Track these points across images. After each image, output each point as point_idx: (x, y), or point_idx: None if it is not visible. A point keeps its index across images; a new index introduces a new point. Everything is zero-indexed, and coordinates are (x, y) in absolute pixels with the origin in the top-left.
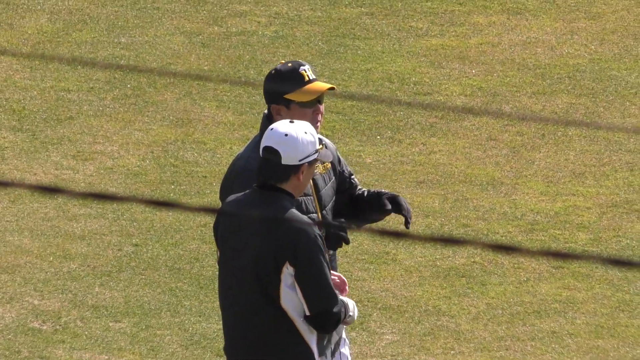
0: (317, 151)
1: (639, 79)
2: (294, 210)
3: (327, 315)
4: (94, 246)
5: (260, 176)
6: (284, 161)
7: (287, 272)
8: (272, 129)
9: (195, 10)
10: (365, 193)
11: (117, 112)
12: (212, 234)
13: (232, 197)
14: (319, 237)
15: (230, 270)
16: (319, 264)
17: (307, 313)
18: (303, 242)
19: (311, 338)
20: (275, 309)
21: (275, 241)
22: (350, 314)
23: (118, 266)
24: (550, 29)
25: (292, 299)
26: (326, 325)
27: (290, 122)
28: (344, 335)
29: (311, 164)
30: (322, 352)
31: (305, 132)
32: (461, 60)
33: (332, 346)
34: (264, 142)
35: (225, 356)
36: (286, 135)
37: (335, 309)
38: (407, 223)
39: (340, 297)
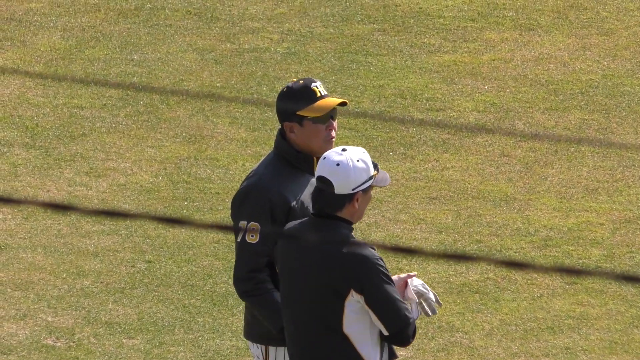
0: (371, 177)
1: None
2: (352, 237)
3: (405, 332)
4: (107, 263)
5: (316, 205)
6: (337, 191)
7: (354, 299)
8: (324, 157)
9: (208, 27)
10: None
11: (130, 129)
12: (226, 250)
13: (288, 226)
14: (379, 260)
15: (292, 299)
16: (386, 286)
17: (386, 333)
18: (366, 269)
19: None
20: (339, 336)
21: (338, 270)
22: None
23: (131, 283)
24: (562, 45)
25: (356, 325)
26: (405, 341)
27: (343, 149)
28: None
29: (366, 191)
30: None
31: (358, 160)
32: (474, 77)
33: None
34: (318, 172)
35: None
36: (338, 164)
37: (410, 321)
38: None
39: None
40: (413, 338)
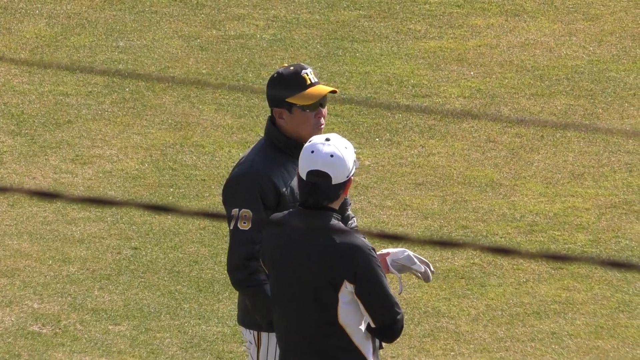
0: (355, 160)
1: (637, 80)
2: (344, 227)
3: (393, 326)
4: (93, 250)
5: (310, 199)
6: (334, 181)
7: (346, 290)
8: (312, 151)
9: (194, 14)
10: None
11: (116, 116)
12: (212, 237)
13: (274, 217)
14: (372, 250)
15: (284, 291)
16: (378, 277)
17: (373, 325)
18: (360, 258)
19: (368, 351)
20: (334, 327)
21: (332, 260)
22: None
23: (117, 269)
24: (548, 31)
25: (350, 315)
26: (393, 335)
27: (327, 139)
28: None
29: (354, 174)
30: None
31: (346, 147)
32: (459, 63)
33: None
34: (307, 166)
35: None
36: (332, 156)
37: (399, 317)
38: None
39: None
40: (400, 333)
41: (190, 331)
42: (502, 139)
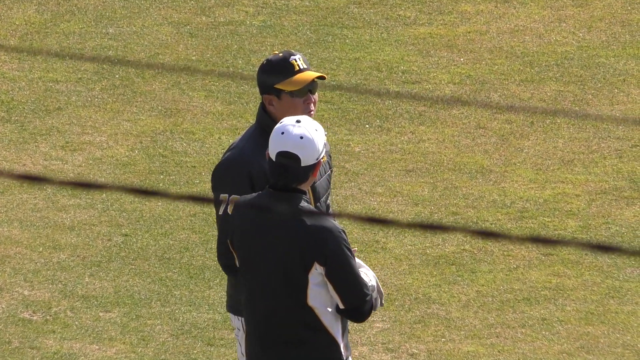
0: (325, 143)
1: (627, 66)
2: (313, 209)
3: (361, 308)
4: (84, 236)
5: (280, 181)
6: (304, 163)
7: (316, 272)
8: (282, 132)
9: (183, 0)
10: None
11: (106, 103)
12: (202, 224)
13: (243, 199)
14: (342, 233)
15: (254, 273)
16: (348, 259)
17: (342, 307)
18: (330, 241)
19: (337, 332)
20: (304, 309)
21: (302, 242)
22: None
23: (108, 256)
24: (538, 17)
25: (320, 297)
26: (361, 316)
27: (297, 121)
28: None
29: (323, 157)
30: (347, 346)
31: (316, 129)
32: (449, 49)
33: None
34: (277, 147)
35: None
36: (302, 137)
37: (368, 298)
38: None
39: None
40: (369, 315)
41: (181, 318)
42: (492, 125)
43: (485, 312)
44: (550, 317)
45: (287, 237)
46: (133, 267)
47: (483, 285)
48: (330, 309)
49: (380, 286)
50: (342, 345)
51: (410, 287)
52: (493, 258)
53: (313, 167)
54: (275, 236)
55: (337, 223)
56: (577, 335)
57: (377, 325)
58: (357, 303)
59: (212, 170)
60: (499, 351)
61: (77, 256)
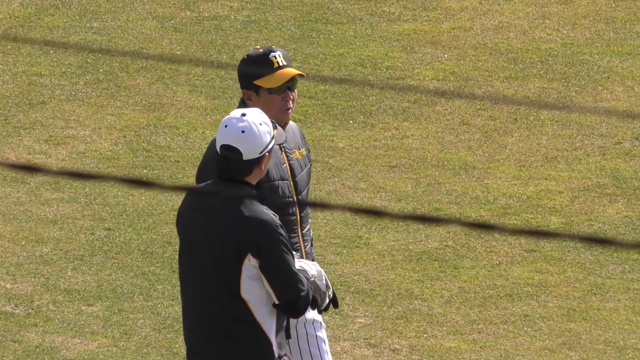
0: (273, 137)
1: (611, 64)
2: (255, 202)
3: (296, 303)
4: (67, 230)
5: (224, 172)
6: (246, 157)
7: (250, 264)
8: (226, 125)
9: None
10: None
11: (90, 97)
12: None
13: (193, 188)
14: (280, 227)
15: (191, 261)
16: (282, 254)
17: (277, 302)
18: (265, 234)
19: (270, 329)
20: (236, 300)
21: (237, 233)
22: (322, 286)
23: (90, 250)
24: (522, 14)
25: (254, 290)
26: (296, 312)
27: (243, 114)
28: (319, 319)
29: (270, 151)
30: (280, 343)
31: (261, 123)
32: (433, 45)
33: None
34: (220, 140)
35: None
36: (243, 131)
37: (303, 294)
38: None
39: (307, 270)
40: (305, 310)
41: (163, 312)
42: (476, 121)
43: (468, 308)
44: (533, 314)
45: (223, 224)
46: (116, 261)
47: (465, 282)
48: (265, 306)
49: (331, 286)
50: (274, 343)
51: (393, 283)
52: (476, 254)
53: (258, 161)
54: (212, 222)
55: (276, 218)
56: (559, 331)
57: (359, 320)
58: (290, 297)
59: (197, 170)
60: (481, 347)
61: (60, 250)
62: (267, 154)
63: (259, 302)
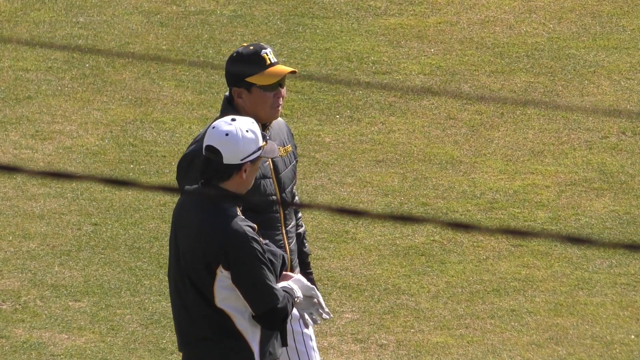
0: (260, 148)
1: (597, 58)
2: (231, 211)
3: (272, 314)
4: (53, 225)
5: (204, 175)
6: (226, 161)
7: (222, 275)
8: (213, 127)
9: None
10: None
11: (76, 92)
12: (172, 213)
13: (187, 189)
14: (253, 240)
15: (173, 265)
16: (254, 265)
17: (253, 313)
18: (235, 246)
19: (252, 338)
20: (212, 308)
21: (206, 244)
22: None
23: (77, 245)
24: (508, 8)
25: (229, 300)
26: (273, 324)
27: (233, 119)
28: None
29: (254, 162)
30: (264, 353)
31: (247, 131)
32: (420, 40)
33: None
34: (206, 141)
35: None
36: (227, 134)
37: (279, 306)
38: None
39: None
40: (283, 323)
41: (150, 307)
42: (462, 116)
43: (455, 303)
44: (520, 308)
45: (198, 234)
46: (103, 256)
47: (452, 276)
48: (243, 315)
49: (322, 300)
50: (256, 353)
51: (380, 278)
52: (463, 249)
53: (238, 167)
54: (188, 233)
55: (252, 230)
56: (546, 326)
57: (347, 315)
58: (264, 309)
59: (178, 160)
60: (468, 342)
61: (47, 245)
62: (249, 162)
63: (236, 311)
